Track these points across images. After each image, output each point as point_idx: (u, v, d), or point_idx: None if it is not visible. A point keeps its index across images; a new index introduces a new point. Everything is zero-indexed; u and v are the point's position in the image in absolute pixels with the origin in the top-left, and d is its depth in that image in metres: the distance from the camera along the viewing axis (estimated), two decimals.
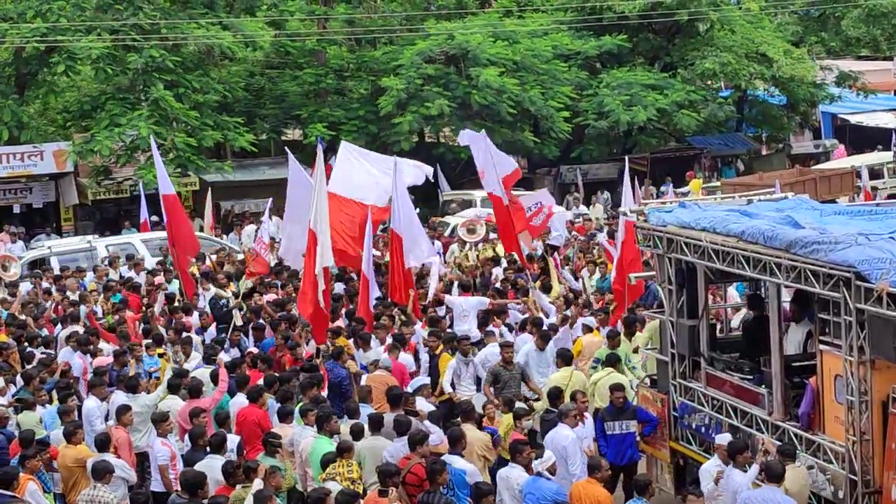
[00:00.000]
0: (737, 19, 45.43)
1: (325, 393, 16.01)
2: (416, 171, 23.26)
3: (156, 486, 14.44)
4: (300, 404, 15.20)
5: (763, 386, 13.30)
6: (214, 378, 16.16)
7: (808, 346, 13.75)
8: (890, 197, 33.26)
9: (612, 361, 16.32)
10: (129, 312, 21.60)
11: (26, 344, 19.33)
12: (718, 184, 38.44)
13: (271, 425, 14.79)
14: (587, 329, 18.44)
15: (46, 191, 39.20)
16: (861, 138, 50.36)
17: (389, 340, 17.88)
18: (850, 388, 11.64)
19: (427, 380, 16.72)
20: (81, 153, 37.25)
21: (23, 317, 21.61)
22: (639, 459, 15.16)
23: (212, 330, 20.81)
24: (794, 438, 12.50)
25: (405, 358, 17.72)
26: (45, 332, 20.72)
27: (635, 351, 17.44)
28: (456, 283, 22.20)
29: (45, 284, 25.03)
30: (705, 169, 46.21)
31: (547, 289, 21.41)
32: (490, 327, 19.03)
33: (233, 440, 14.27)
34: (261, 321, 20.08)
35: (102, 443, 13.98)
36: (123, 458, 14.16)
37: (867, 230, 12.12)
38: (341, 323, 19.49)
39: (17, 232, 35.75)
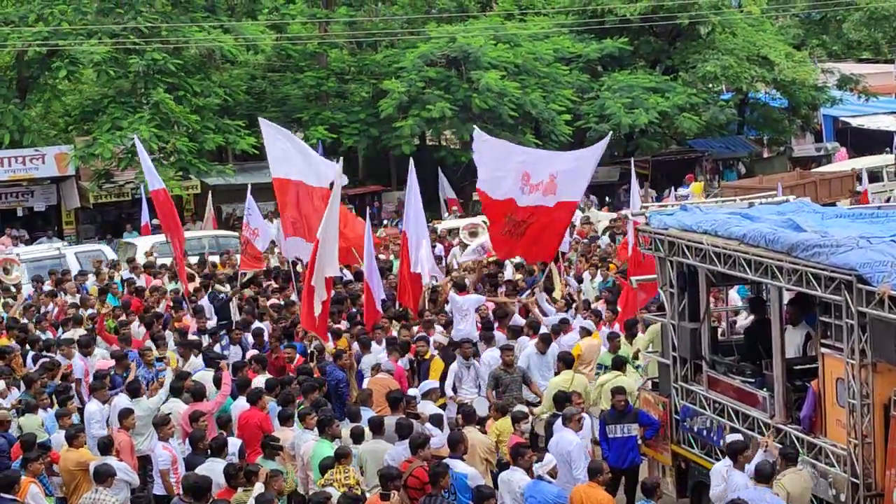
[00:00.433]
0: (738, 22, 45.44)
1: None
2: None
3: (157, 489, 14.44)
4: (300, 407, 15.18)
5: (765, 389, 13.30)
6: (217, 382, 16.16)
7: (807, 348, 13.74)
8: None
9: (619, 365, 16.31)
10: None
11: (28, 347, 19.33)
12: (717, 190, 38.47)
13: (273, 429, 14.78)
14: (585, 332, 18.37)
15: (48, 194, 39.26)
16: (862, 141, 50.36)
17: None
18: (851, 391, 11.63)
19: (436, 384, 16.52)
20: (83, 157, 37.35)
21: (24, 320, 21.63)
22: (640, 463, 15.12)
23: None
24: (795, 441, 12.50)
25: (406, 362, 17.69)
26: (47, 335, 20.70)
27: (635, 357, 17.41)
28: (450, 283, 22.14)
29: (46, 287, 25.04)
30: (706, 172, 46.24)
31: (549, 290, 21.39)
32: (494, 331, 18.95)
33: (234, 443, 14.26)
34: (259, 325, 20.06)
35: (105, 446, 13.99)
36: (126, 462, 14.16)
37: (869, 233, 12.11)
38: (342, 326, 19.48)
39: (19, 235, 35.77)
